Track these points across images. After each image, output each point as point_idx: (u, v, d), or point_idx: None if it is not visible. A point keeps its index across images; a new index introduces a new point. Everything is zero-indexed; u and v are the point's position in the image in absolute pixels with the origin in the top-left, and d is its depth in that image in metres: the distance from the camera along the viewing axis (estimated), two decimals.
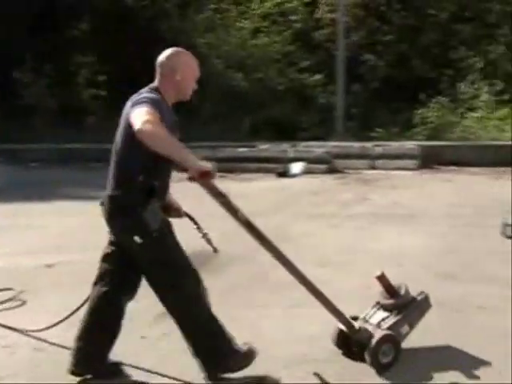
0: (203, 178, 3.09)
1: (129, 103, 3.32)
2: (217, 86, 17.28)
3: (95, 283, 3.48)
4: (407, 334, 3.75)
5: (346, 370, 3.62)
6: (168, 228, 3.37)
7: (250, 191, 10.38)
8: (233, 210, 3.27)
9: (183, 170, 3.06)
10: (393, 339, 3.62)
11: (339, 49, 15.90)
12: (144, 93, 3.34)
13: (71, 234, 7.36)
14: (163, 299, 3.38)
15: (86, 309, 3.48)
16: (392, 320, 3.70)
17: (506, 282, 5.10)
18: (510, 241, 6.49)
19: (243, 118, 16.38)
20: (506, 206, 8.24)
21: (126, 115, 3.27)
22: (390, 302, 3.80)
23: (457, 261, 5.83)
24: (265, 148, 13.37)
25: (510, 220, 6.74)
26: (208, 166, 3.10)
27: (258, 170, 12.33)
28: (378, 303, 3.86)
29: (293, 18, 18.67)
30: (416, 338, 3.90)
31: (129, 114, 3.21)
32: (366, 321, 3.77)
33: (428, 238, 6.67)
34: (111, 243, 3.48)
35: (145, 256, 3.32)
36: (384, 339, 3.57)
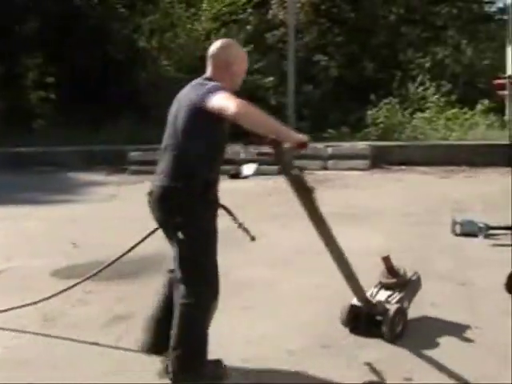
0: (301, 148, 3.42)
1: (187, 96, 3.36)
2: (169, 89, 17.16)
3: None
4: (407, 308, 4.20)
5: (300, 367, 3.64)
6: (215, 225, 3.48)
7: None
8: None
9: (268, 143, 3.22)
10: (403, 312, 4.12)
11: (289, 50, 15.96)
12: (203, 83, 3.36)
13: (22, 239, 7.21)
14: (181, 281, 3.37)
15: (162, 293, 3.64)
16: (397, 297, 4.17)
17: (457, 279, 5.19)
18: (459, 238, 6.62)
19: None
20: (455, 205, 8.42)
21: (191, 107, 3.29)
22: (393, 281, 4.28)
23: (409, 259, 5.87)
24: None
25: (460, 218, 6.86)
26: (305, 137, 3.41)
27: None
28: (380, 283, 4.32)
29: (244, 19, 18.62)
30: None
31: (196, 106, 3.24)
32: (373, 298, 4.19)
33: (380, 237, 6.74)
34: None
35: (179, 250, 3.34)
36: (398, 311, 4.03)
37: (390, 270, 4.33)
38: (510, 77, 5.02)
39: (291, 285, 5.20)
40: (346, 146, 13.13)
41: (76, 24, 17.71)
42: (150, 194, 3.43)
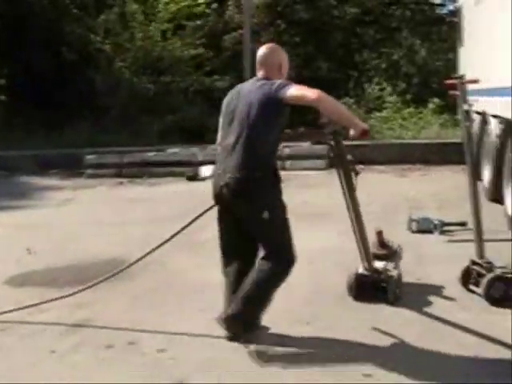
0: (364, 136, 3.85)
1: (254, 94, 3.84)
2: (125, 90, 17.03)
3: (224, 259, 4.11)
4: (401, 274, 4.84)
5: (262, 369, 3.66)
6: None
7: (160, 195, 10.30)
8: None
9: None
10: (401, 277, 4.81)
11: (245, 51, 15.99)
12: (268, 82, 3.87)
13: None
14: (264, 250, 3.88)
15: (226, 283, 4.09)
16: (392, 265, 4.84)
17: (414, 275, 5.28)
18: (416, 235, 6.73)
19: (152, 122, 16.21)
20: (411, 203, 8.55)
21: (265, 101, 3.77)
22: (384, 252, 4.99)
23: None
24: (174, 152, 13.28)
25: (416, 216, 6.98)
26: (367, 126, 3.91)
27: (167, 174, 12.22)
28: (373, 254, 4.84)
29: (200, 20, 18.56)
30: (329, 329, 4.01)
31: (272, 98, 3.75)
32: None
33: (339, 236, 6.79)
34: (225, 219, 4.06)
35: (261, 221, 3.82)
36: (399, 277, 4.72)
37: (382, 243, 5.05)
38: (460, 77, 5.14)
39: None
40: (304, 146, 13.19)
41: (28, 24, 17.40)
42: (220, 180, 3.89)
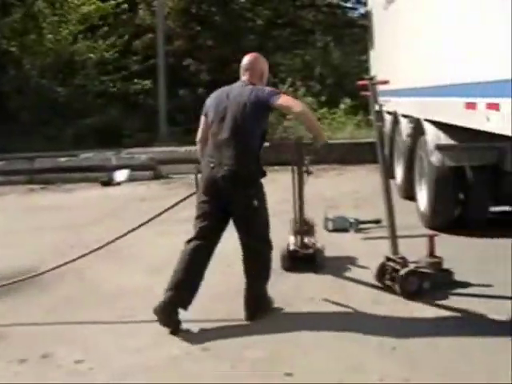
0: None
1: (246, 97, 4.37)
2: (35, 94, 16.56)
3: (193, 240, 4.47)
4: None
5: (184, 372, 3.63)
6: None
7: (74, 202, 10.07)
8: None
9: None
10: (324, 249, 5.76)
11: (159, 54, 15.87)
12: (259, 88, 4.47)
13: None
14: (252, 235, 4.49)
15: (190, 262, 4.42)
16: (314, 239, 5.82)
17: (332, 273, 5.38)
18: (332, 234, 6.84)
19: (66, 126, 15.83)
20: (327, 202, 8.69)
21: (256, 107, 4.34)
22: (307, 228, 5.81)
23: None
24: (87, 157, 13.01)
25: (332, 215, 7.10)
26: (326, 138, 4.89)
27: (81, 180, 11.94)
28: (297, 231, 5.72)
29: (111, 23, 18.23)
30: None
31: (262, 108, 4.37)
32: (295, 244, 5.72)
33: None
34: (211, 207, 4.44)
35: (250, 208, 4.36)
36: (323, 249, 5.75)
37: (305, 221, 5.80)
38: (371, 78, 5.30)
39: None
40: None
41: None
42: (217, 172, 4.34)
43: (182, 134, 16.22)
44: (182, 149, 13.25)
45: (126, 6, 17.69)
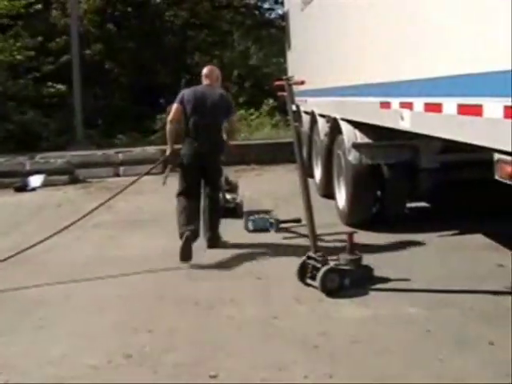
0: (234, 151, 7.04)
1: (218, 98, 6.45)
2: None
3: (181, 194, 6.34)
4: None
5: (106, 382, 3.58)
6: None
7: None
8: None
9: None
10: (243, 203, 8.04)
11: (74, 56, 15.51)
12: (225, 95, 6.65)
13: None
14: (214, 188, 6.57)
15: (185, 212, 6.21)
16: (236, 196, 8.13)
17: (253, 274, 5.41)
18: (253, 234, 6.87)
19: None
20: (247, 202, 8.71)
21: (225, 105, 6.48)
22: (229, 187, 8.01)
23: (206, 259, 6.02)
24: None
25: (252, 215, 7.14)
26: None
27: None
28: (226, 190, 7.82)
29: (23, 22, 17.66)
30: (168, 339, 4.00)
31: (228, 107, 6.53)
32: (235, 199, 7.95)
33: (176, 241, 6.79)
34: (196, 171, 6.37)
35: (218, 171, 6.63)
36: (242, 203, 8.06)
37: (227, 181, 7.88)
38: (287, 79, 5.38)
39: (88, 297, 5.08)
40: (137, 151, 13.07)
41: None
42: (200, 148, 6.28)
43: (99, 137, 15.97)
44: (100, 152, 13.05)
45: (39, 5, 17.18)
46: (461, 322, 4.15)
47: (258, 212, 7.36)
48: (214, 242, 6.43)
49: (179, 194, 6.33)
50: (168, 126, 6.51)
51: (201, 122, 6.29)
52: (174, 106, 6.47)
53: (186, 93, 6.51)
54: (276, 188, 9.97)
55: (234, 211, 7.60)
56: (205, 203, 6.42)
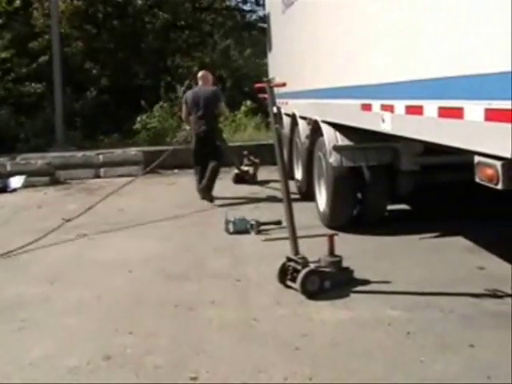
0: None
1: (210, 94, 9.09)
2: None
3: (196, 164, 9.28)
4: None
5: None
6: None
7: None
8: None
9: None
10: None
11: (55, 57, 15.37)
12: (215, 90, 9.36)
13: None
14: (214, 158, 8.97)
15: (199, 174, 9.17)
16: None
17: (233, 276, 5.37)
18: (233, 236, 6.84)
19: None
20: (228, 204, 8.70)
21: (214, 98, 9.07)
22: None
23: (186, 260, 6.00)
24: None
25: (232, 217, 7.09)
26: None
27: None
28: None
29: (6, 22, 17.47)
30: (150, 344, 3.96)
31: (216, 99, 9.09)
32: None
33: (157, 242, 6.77)
34: (201, 147, 9.04)
35: (215, 146, 9.00)
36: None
37: (249, 158, 10.83)
38: (268, 80, 5.36)
39: (67, 299, 5.02)
40: (118, 152, 12.99)
41: None
42: (203, 131, 8.98)
43: (80, 138, 15.83)
44: (80, 154, 12.94)
45: (17, 2, 16.94)
46: (441, 325, 4.14)
47: (265, 223, 7.15)
48: (205, 193, 8.95)
49: (194, 164, 9.36)
50: (185, 121, 9.62)
51: (196, 113, 9.01)
52: (183, 106, 9.35)
53: (188, 94, 9.38)
54: (257, 189, 9.95)
55: (246, 179, 10.65)
56: (208, 167, 8.95)
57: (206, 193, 8.92)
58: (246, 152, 11.16)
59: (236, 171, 10.83)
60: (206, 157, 8.95)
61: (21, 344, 4.14)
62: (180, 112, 10.03)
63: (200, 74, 9.47)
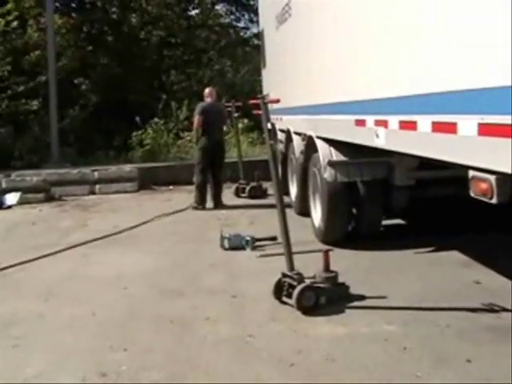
0: None
1: (221, 110, 10.56)
2: None
3: (204, 170, 10.03)
4: None
5: None
6: None
7: None
8: None
9: None
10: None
11: (50, 73, 15.36)
12: (223, 109, 10.79)
13: None
14: (219, 170, 10.17)
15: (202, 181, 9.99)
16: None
17: (229, 292, 5.35)
18: (228, 252, 6.82)
19: None
20: (223, 220, 8.69)
21: (223, 113, 10.59)
22: None
23: (181, 277, 5.97)
24: None
25: (227, 233, 7.08)
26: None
27: None
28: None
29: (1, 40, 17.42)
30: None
31: (224, 115, 10.57)
32: None
33: (151, 258, 6.74)
34: (212, 155, 9.98)
35: (223, 157, 10.30)
36: None
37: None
38: (263, 97, 5.38)
39: (62, 316, 4.98)
40: (113, 169, 12.98)
41: None
42: (214, 140, 9.99)
43: (74, 154, 15.82)
44: (75, 170, 12.92)
45: (15, 23, 16.99)
46: (438, 340, 4.13)
47: (260, 239, 7.12)
48: (216, 203, 10.04)
49: (200, 171, 10.05)
50: (195, 130, 10.22)
51: (212, 125, 9.96)
52: (198, 117, 10.03)
53: (203, 106, 10.16)
54: (251, 205, 9.95)
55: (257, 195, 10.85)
56: (215, 179, 10.07)
57: (219, 203, 10.03)
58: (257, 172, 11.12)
59: (237, 185, 11.19)
60: (212, 166, 10.00)
61: (15, 361, 4.11)
62: (193, 123, 10.56)
63: (207, 90, 10.43)
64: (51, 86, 15.22)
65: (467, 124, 3.58)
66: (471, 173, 3.75)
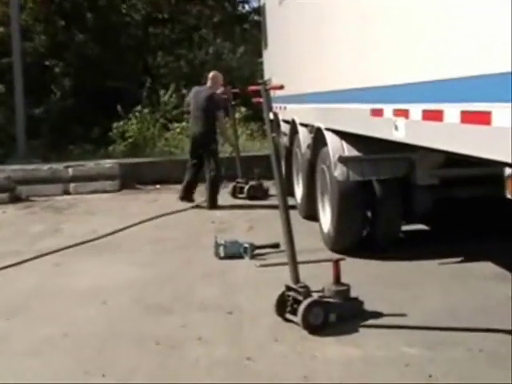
0: None
1: (201, 95, 10.33)
2: None
3: (194, 165, 10.45)
4: None
5: None
6: None
7: None
8: None
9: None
10: None
11: (15, 52, 15.27)
12: (212, 94, 10.34)
13: None
14: (208, 167, 10.17)
15: (192, 172, 10.47)
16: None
17: (224, 308, 5.34)
18: (224, 261, 6.81)
19: None
20: (217, 225, 8.68)
21: (209, 101, 10.19)
22: None
23: (170, 290, 5.96)
24: None
25: (223, 239, 7.06)
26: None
27: None
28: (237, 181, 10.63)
29: None
30: None
31: (215, 104, 10.25)
32: None
33: (135, 269, 6.73)
34: (195, 149, 10.38)
35: (211, 151, 10.19)
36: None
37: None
38: (264, 82, 5.34)
39: (29, 337, 4.96)
40: (91, 165, 12.97)
41: None
42: (193, 133, 10.54)
43: (45, 148, 15.78)
44: (46, 166, 12.90)
45: None
46: (469, 366, 4.10)
47: (260, 246, 7.15)
48: (209, 202, 10.12)
49: (189, 160, 10.60)
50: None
51: (194, 113, 10.43)
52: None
53: (191, 92, 10.87)
54: (250, 207, 9.95)
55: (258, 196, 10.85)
56: (206, 176, 10.17)
57: (212, 203, 10.10)
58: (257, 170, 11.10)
59: (234, 184, 11.29)
60: (200, 158, 10.26)
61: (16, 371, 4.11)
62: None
63: (211, 74, 10.65)
64: (16, 69, 15.14)
65: (503, 113, 3.55)
66: (508, 170, 3.73)
